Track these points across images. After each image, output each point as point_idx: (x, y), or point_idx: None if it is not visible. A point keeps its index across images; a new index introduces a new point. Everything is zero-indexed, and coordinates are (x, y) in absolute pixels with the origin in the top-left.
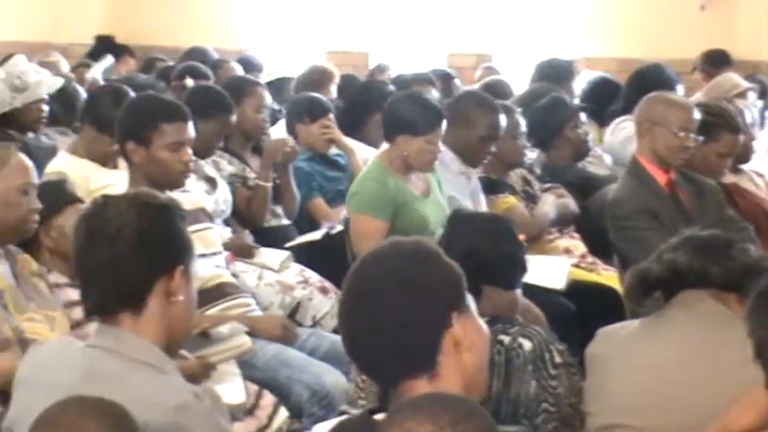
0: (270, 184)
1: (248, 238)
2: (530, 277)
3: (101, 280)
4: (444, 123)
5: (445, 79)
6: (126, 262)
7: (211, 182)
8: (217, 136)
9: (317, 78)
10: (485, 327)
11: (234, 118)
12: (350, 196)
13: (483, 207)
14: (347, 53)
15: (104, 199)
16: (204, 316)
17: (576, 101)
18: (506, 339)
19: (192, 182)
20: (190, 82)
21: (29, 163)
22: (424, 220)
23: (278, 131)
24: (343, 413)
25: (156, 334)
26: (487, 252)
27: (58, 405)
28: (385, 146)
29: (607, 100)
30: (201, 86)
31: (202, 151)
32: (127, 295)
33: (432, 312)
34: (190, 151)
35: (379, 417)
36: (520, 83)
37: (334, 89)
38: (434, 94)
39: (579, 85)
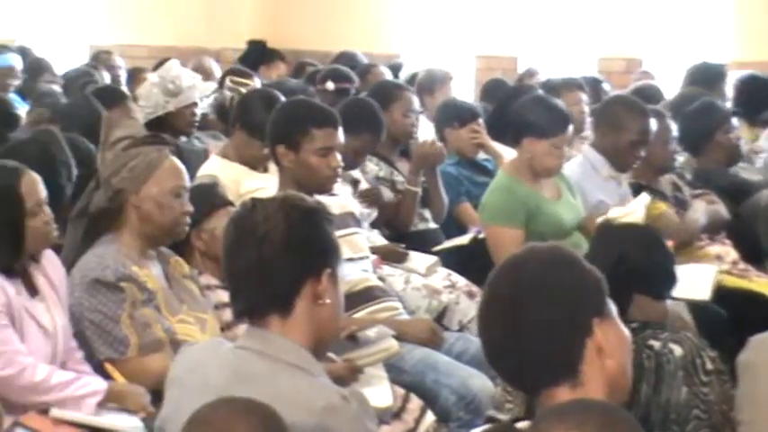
0: (419, 189)
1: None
2: (675, 290)
3: (249, 282)
4: (571, 129)
5: (594, 84)
6: (274, 265)
7: (355, 184)
8: (362, 152)
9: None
10: (626, 332)
11: (383, 137)
12: (481, 209)
13: None
14: (496, 57)
15: (253, 202)
16: (352, 319)
17: (729, 105)
18: (656, 345)
19: (338, 185)
20: (330, 85)
21: (181, 166)
22: (559, 222)
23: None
24: (489, 418)
25: (304, 336)
26: (638, 260)
27: (209, 406)
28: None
29: (761, 101)
30: (356, 101)
31: (347, 163)
32: (275, 298)
33: (571, 320)
34: (339, 157)
35: (523, 425)
36: (670, 87)
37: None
38: (584, 99)
39: (730, 88)
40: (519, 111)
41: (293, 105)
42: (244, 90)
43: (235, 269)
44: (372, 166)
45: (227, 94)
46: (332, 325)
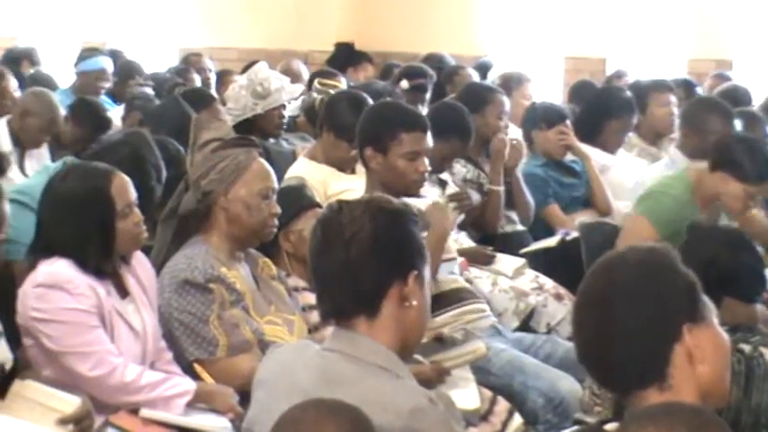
0: (501, 188)
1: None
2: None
3: (336, 284)
4: None
5: (686, 86)
6: (360, 267)
7: (443, 185)
8: (451, 157)
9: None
10: (724, 338)
11: (472, 142)
12: (647, 193)
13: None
14: (585, 58)
15: (339, 204)
16: (439, 320)
17: None
18: (747, 348)
19: (426, 187)
20: (405, 84)
21: (269, 168)
22: None
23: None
24: (577, 421)
25: (391, 338)
26: (728, 262)
27: (298, 407)
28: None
29: None
30: (446, 106)
31: (434, 166)
32: (361, 300)
33: (660, 325)
34: (426, 161)
35: (611, 427)
36: (762, 89)
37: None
38: (673, 101)
39: None
40: (727, 142)
41: (382, 108)
42: (331, 92)
43: (321, 271)
44: (460, 167)
45: (315, 96)
46: (418, 327)
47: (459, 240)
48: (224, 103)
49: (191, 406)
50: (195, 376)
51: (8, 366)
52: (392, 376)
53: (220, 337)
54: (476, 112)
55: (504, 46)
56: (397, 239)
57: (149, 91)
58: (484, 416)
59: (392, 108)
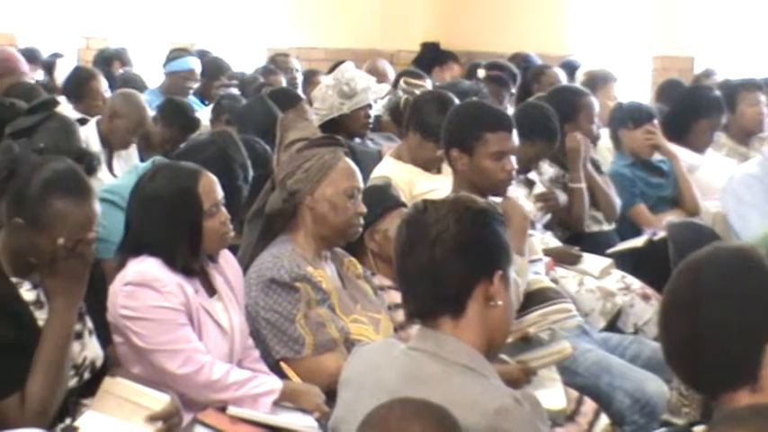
0: (582, 185)
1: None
2: None
3: (421, 284)
4: None
5: None
6: (445, 266)
7: (530, 184)
8: (537, 158)
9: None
10: None
11: (557, 144)
12: None
13: None
14: (673, 57)
15: (425, 204)
16: (525, 320)
17: None
18: None
19: (513, 187)
20: (481, 73)
21: (355, 167)
22: None
23: None
24: (665, 422)
25: (476, 338)
26: None
27: (384, 407)
28: None
29: None
30: (533, 107)
31: (519, 169)
32: (447, 299)
33: (750, 325)
34: (513, 160)
35: (699, 429)
36: None
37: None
38: (763, 100)
39: None
40: None
41: (468, 109)
42: (417, 92)
43: (407, 270)
44: (547, 167)
45: (401, 95)
46: (503, 327)
47: (545, 240)
48: (311, 103)
49: (277, 404)
50: (282, 375)
51: (98, 363)
52: (477, 376)
53: (307, 335)
54: (568, 120)
55: (591, 45)
56: (482, 239)
57: (234, 91)
58: (570, 416)
59: (477, 108)
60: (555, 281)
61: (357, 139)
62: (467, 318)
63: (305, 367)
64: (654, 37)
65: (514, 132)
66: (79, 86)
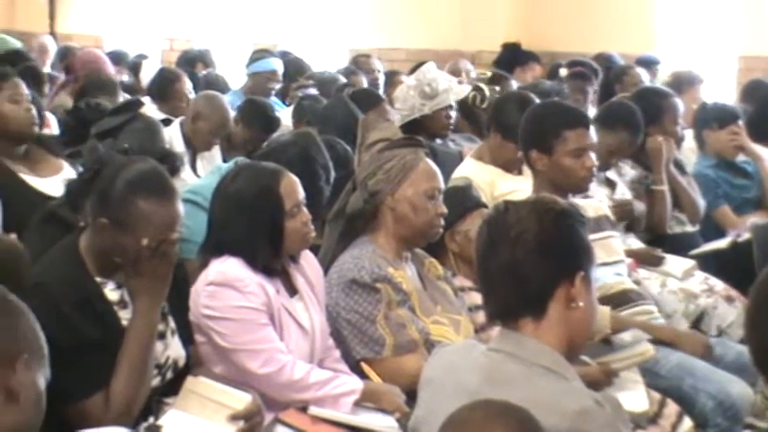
0: (664, 187)
1: None
2: None
3: (502, 285)
4: None
5: None
6: (526, 267)
7: (611, 185)
8: (617, 151)
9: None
10: None
11: (640, 138)
12: None
13: None
14: (758, 57)
15: (506, 204)
16: (616, 316)
17: None
18: None
19: (594, 187)
20: (563, 72)
21: (435, 168)
22: None
23: None
24: (749, 425)
25: (557, 339)
26: None
27: (466, 408)
28: None
29: None
30: (618, 101)
31: (600, 163)
32: (528, 300)
33: None
34: (593, 156)
35: None
36: None
37: None
38: None
39: None
40: None
41: (543, 109)
42: (482, 86)
43: (487, 271)
44: (629, 168)
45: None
46: (585, 328)
47: (628, 242)
48: (392, 104)
49: (358, 405)
50: (362, 375)
51: (181, 363)
52: (558, 377)
53: (387, 336)
54: (652, 122)
55: (676, 45)
56: (563, 240)
57: (312, 91)
58: (653, 419)
59: (552, 108)
60: (637, 282)
61: (438, 140)
62: (548, 319)
63: (385, 368)
64: (739, 37)
65: (592, 129)
66: (164, 87)
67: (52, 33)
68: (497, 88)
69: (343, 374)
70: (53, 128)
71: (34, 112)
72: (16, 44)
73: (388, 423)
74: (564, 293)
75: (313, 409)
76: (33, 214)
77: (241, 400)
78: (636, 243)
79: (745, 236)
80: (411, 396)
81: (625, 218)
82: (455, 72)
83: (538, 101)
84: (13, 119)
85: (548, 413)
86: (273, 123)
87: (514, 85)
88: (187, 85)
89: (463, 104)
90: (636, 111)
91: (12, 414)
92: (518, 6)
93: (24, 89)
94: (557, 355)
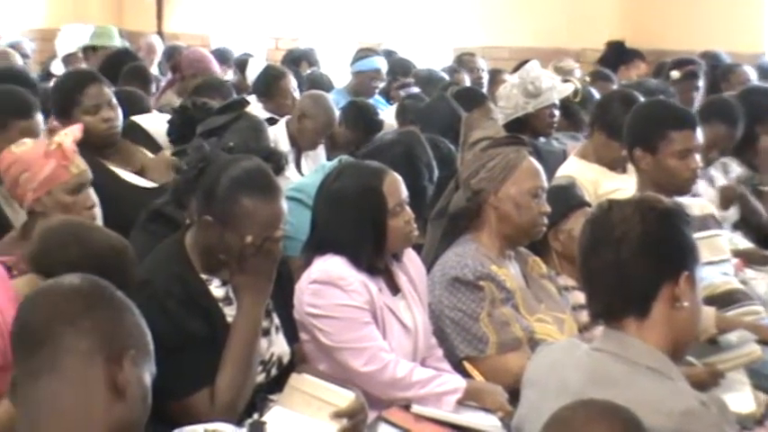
0: None
1: None
2: None
3: (605, 284)
4: None
5: None
6: (630, 267)
7: (713, 182)
8: (714, 144)
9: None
10: None
11: (738, 132)
12: None
13: None
14: None
15: (609, 203)
16: (722, 316)
17: None
18: None
19: (702, 185)
20: (675, 74)
21: (539, 167)
22: None
23: None
24: None
25: (661, 340)
26: None
27: (568, 407)
28: None
29: None
30: (717, 96)
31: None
32: (631, 300)
33: None
34: (698, 158)
35: None
36: None
37: None
38: None
39: None
40: None
41: (650, 107)
42: (573, 80)
43: (591, 271)
44: (735, 166)
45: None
46: (690, 329)
47: (734, 241)
48: (495, 102)
49: (461, 403)
50: (465, 373)
51: (285, 360)
52: (663, 378)
53: (491, 334)
54: (759, 121)
55: None
56: (667, 239)
57: (414, 90)
58: (759, 420)
59: (660, 107)
60: (744, 282)
61: (542, 139)
62: (652, 319)
63: (489, 366)
64: None
65: (699, 130)
66: (269, 86)
67: (159, 33)
68: (587, 79)
69: (446, 373)
70: None
71: (113, 114)
72: (115, 36)
73: (491, 422)
74: (668, 293)
75: (416, 408)
76: (131, 209)
77: (345, 397)
78: (743, 242)
79: None
80: (514, 395)
81: (729, 203)
82: (559, 70)
83: (642, 99)
84: (92, 130)
85: (652, 414)
86: (376, 125)
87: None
88: (292, 83)
89: (563, 102)
90: (733, 104)
91: (118, 410)
92: (623, 3)
93: (103, 96)
94: (661, 356)
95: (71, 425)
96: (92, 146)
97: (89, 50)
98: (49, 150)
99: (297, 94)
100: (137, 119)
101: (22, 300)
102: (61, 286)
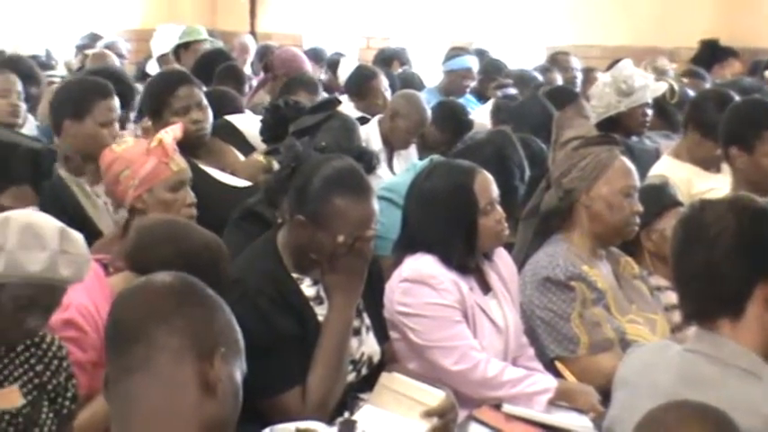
0: None
1: None
2: None
3: (698, 285)
4: None
5: None
6: (723, 267)
7: None
8: None
9: None
10: None
11: None
12: None
13: None
14: None
15: (702, 203)
16: None
17: None
18: None
19: None
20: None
21: (631, 166)
22: None
23: None
24: None
25: (755, 341)
26: None
27: (660, 409)
28: None
29: None
30: None
31: None
32: (725, 300)
33: None
34: None
35: None
36: None
37: None
38: None
39: None
40: None
41: (747, 106)
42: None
43: (683, 271)
44: None
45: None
46: None
47: None
48: (588, 101)
49: (552, 403)
50: (557, 373)
51: (376, 359)
52: (757, 380)
53: (582, 335)
54: None
55: None
56: (762, 239)
57: (511, 90)
58: None
59: (757, 106)
60: None
61: (634, 138)
62: (746, 320)
63: (580, 366)
64: None
65: None
66: (361, 85)
67: (252, 33)
68: (685, 80)
69: (537, 373)
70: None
71: (202, 115)
72: (203, 32)
73: (582, 423)
74: (762, 294)
75: (507, 407)
76: (222, 208)
77: (435, 396)
78: None
79: None
80: (605, 395)
81: None
82: (652, 69)
83: (737, 98)
84: None
85: (745, 415)
86: (466, 125)
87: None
88: (384, 83)
89: (654, 100)
90: None
91: (210, 407)
92: (717, 1)
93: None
94: (755, 357)
95: (163, 422)
96: (181, 146)
97: (181, 49)
98: (150, 148)
99: (388, 94)
100: (231, 118)
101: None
102: (154, 284)
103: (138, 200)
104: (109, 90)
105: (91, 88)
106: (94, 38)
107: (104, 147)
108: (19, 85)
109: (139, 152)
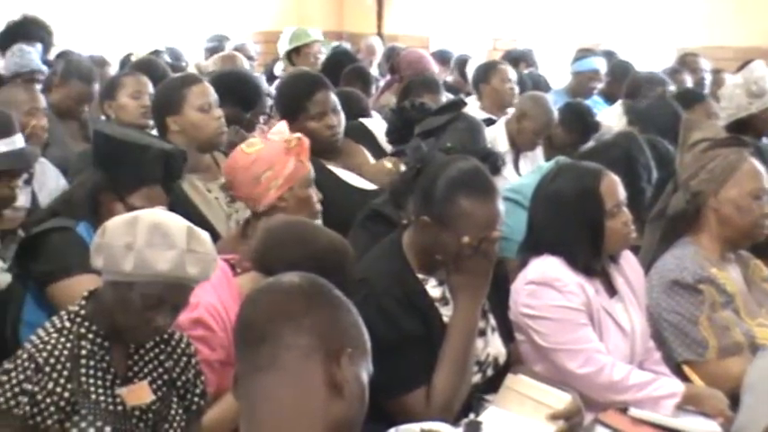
0: None
1: None
2: None
3: None
4: None
5: None
6: None
7: None
8: None
9: None
10: None
11: None
12: None
13: None
14: None
15: None
16: None
17: None
18: None
19: None
20: None
21: (761, 168)
22: None
23: None
24: None
25: None
26: None
27: None
28: None
29: None
30: None
31: None
32: None
33: None
34: None
35: None
36: None
37: None
38: None
39: None
40: None
41: None
42: None
43: None
44: None
45: None
46: None
47: None
48: (717, 102)
49: (679, 408)
50: (684, 377)
51: (501, 360)
52: None
53: (710, 338)
54: None
55: None
56: None
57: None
58: None
59: None
60: None
61: (765, 140)
62: None
63: (708, 371)
64: None
65: None
66: (487, 71)
67: (380, 34)
68: None
69: (664, 376)
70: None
71: (337, 120)
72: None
73: (710, 428)
74: None
75: (634, 411)
76: (349, 209)
77: (561, 399)
78: None
79: None
80: (734, 400)
81: None
82: None
83: None
84: (316, 135)
85: None
86: (592, 127)
87: None
88: (509, 72)
89: None
90: None
91: (336, 407)
92: None
93: (329, 103)
94: None
95: (290, 421)
96: (313, 149)
97: (292, 54)
98: (289, 147)
99: (514, 87)
100: (363, 121)
101: (244, 297)
102: (282, 284)
103: (280, 199)
104: (194, 77)
105: (179, 81)
106: (223, 39)
107: (211, 132)
108: (150, 88)
109: (279, 152)
